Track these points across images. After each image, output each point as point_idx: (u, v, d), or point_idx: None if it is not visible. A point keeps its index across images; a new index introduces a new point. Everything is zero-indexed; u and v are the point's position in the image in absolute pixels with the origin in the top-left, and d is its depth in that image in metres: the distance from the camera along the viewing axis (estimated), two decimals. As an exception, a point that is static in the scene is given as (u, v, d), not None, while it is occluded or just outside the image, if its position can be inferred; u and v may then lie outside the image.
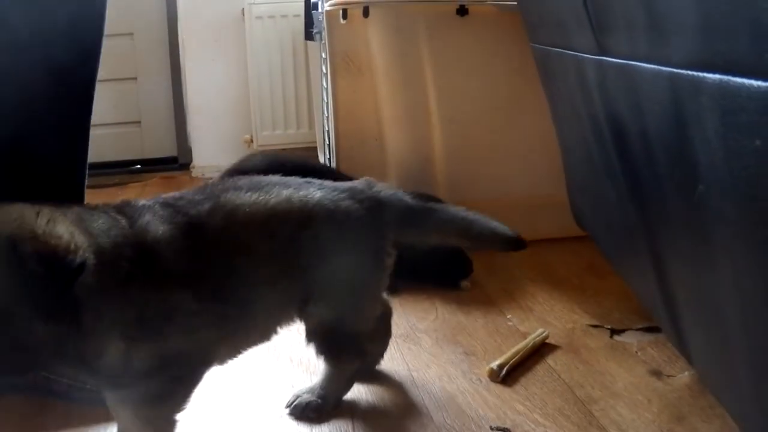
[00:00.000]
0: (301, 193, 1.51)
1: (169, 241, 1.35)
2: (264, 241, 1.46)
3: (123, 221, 1.34)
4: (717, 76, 0.80)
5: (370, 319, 1.67)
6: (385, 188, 1.62)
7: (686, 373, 1.78)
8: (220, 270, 1.41)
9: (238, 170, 2.47)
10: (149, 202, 1.44)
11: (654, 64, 0.99)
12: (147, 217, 1.36)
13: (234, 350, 1.54)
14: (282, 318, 1.58)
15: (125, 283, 1.28)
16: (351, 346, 1.64)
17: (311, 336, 1.60)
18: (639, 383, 1.75)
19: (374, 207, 1.57)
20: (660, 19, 0.94)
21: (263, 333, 1.58)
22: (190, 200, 1.46)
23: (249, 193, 1.47)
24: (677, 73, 0.90)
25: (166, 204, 1.43)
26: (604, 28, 1.18)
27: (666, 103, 0.98)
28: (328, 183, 1.57)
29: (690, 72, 0.86)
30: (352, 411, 1.71)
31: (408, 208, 1.62)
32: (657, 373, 1.80)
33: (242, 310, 1.46)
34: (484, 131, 2.60)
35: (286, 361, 1.93)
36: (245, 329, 1.51)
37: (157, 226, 1.35)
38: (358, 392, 1.76)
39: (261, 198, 1.47)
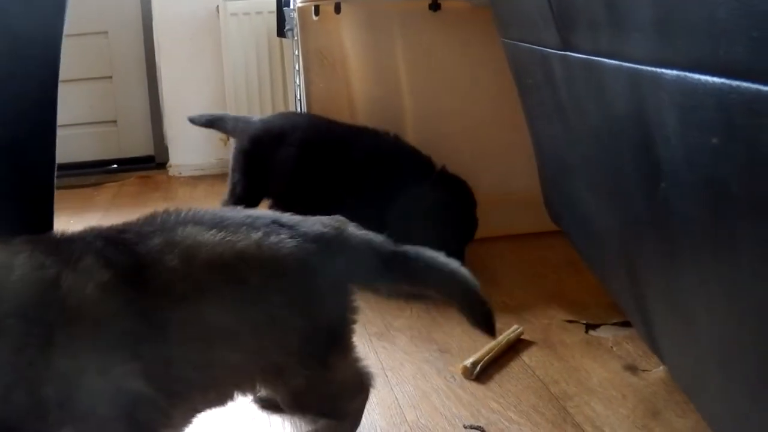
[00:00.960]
0: (271, 239, 1.30)
1: (107, 298, 1.14)
2: (229, 289, 1.26)
3: (50, 268, 1.13)
4: (675, 73, 0.79)
5: (344, 375, 1.48)
6: (356, 234, 1.43)
7: (661, 367, 1.77)
8: (173, 327, 1.20)
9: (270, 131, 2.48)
10: (90, 236, 1.24)
11: (616, 59, 0.98)
12: (84, 261, 1.15)
13: (185, 418, 1.32)
14: (243, 382, 1.36)
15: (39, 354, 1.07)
16: (330, 406, 1.48)
17: (287, 405, 1.45)
18: (614, 379, 1.75)
19: (341, 258, 1.38)
20: (620, 15, 0.93)
21: (221, 397, 1.36)
22: (137, 233, 1.25)
23: (213, 231, 1.26)
24: (638, 69, 0.89)
25: (109, 240, 1.22)
26: (568, 24, 1.17)
27: (628, 99, 0.97)
28: (301, 225, 1.36)
29: (650, 68, 0.85)
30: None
31: (378, 257, 1.42)
32: (632, 368, 1.79)
33: (199, 374, 1.25)
34: (459, 126, 2.59)
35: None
36: (200, 393, 1.30)
37: (91, 275, 1.14)
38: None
39: (227, 238, 1.26)
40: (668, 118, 0.84)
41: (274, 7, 3.63)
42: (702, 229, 0.85)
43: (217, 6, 3.74)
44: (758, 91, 0.63)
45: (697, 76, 0.74)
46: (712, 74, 0.71)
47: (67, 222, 3.19)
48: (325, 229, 1.38)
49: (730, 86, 0.67)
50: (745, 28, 0.63)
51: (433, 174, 2.33)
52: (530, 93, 1.75)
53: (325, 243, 1.35)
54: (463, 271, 1.45)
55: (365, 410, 1.57)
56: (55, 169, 1.78)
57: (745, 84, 0.65)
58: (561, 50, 1.25)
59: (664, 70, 0.81)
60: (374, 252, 1.42)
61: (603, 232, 1.41)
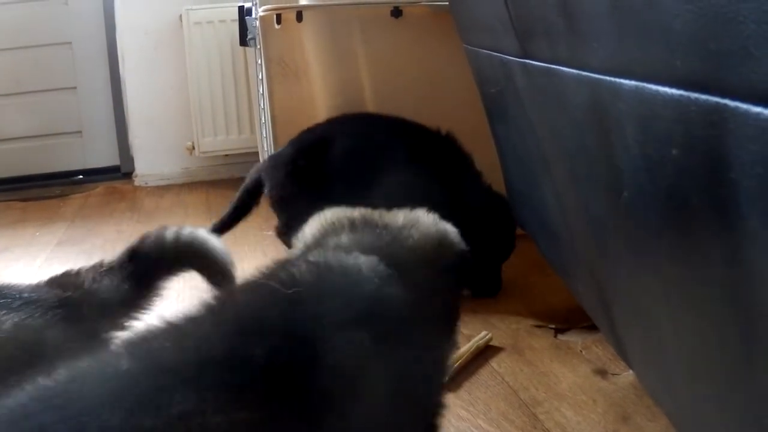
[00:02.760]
0: None
1: None
2: None
3: None
4: (633, 83, 0.78)
5: None
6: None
7: (630, 371, 1.77)
8: None
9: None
10: None
11: (575, 68, 0.97)
12: None
13: None
14: None
15: None
16: None
17: None
18: (584, 383, 1.74)
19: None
20: (577, 24, 0.92)
21: None
22: None
23: None
24: (597, 78, 0.89)
25: None
26: (527, 32, 1.16)
27: (589, 108, 0.96)
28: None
29: (608, 77, 0.85)
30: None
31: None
32: (602, 372, 1.79)
33: None
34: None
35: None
36: None
37: None
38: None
39: None
40: (628, 128, 0.83)
41: (236, 15, 3.62)
42: (664, 238, 0.85)
43: (181, 15, 3.72)
44: (717, 104, 0.62)
45: (655, 87, 0.73)
46: (670, 86, 0.70)
47: (33, 234, 3.17)
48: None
49: (689, 98, 0.66)
50: (701, 40, 0.63)
51: (481, 188, 2.32)
52: (492, 100, 1.74)
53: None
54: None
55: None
56: None
57: (703, 96, 0.64)
58: (521, 58, 1.24)
59: (622, 80, 0.81)
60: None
61: (567, 239, 1.40)
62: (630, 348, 1.25)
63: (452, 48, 2.44)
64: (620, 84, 0.81)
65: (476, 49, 1.66)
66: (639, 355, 1.20)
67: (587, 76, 0.93)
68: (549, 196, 1.44)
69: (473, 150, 2.47)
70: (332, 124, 2.43)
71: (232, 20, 3.65)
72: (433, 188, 2.13)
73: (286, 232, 2.40)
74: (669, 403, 1.15)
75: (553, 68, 1.07)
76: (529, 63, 1.20)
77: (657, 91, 0.72)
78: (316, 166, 2.33)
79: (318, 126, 2.43)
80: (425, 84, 2.59)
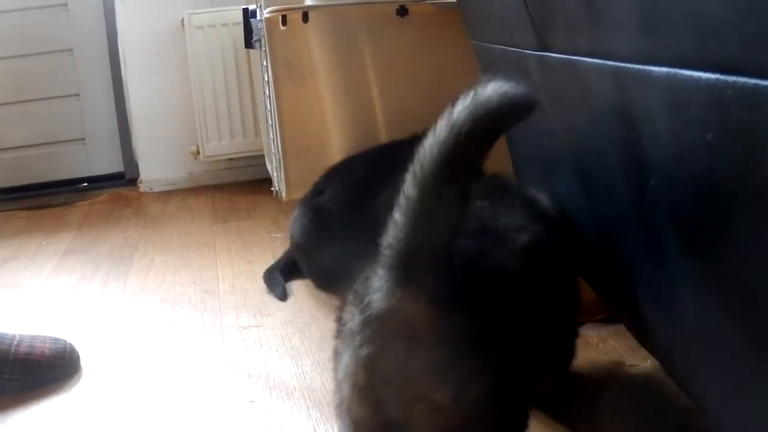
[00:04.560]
0: None
1: None
2: None
3: None
4: (664, 70, 0.78)
5: None
6: None
7: (648, 362, 1.77)
8: None
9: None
10: None
11: (598, 58, 0.97)
12: None
13: None
14: None
15: None
16: None
17: None
18: (603, 376, 1.75)
19: None
20: (600, 14, 0.92)
21: None
22: None
23: None
24: (623, 67, 0.89)
25: None
26: (546, 24, 1.16)
27: (613, 98, 0.96)
28: None
29: (636, 66, 0.85)
30: (307, 406, 1.73)
31: None
32: (620, 364, 1.80)
33: None
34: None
35: (244, 377, 1.90)
36: None
37: None
38: (313, 388, 1.77)
39: None
40: (657, 115, 0.83)
41: (239, 18, 3.60)
42: (694, 224, 0.85)
43: (182, 19, 3.71)
44: (755, 86, 0.62)
45: (687, 72, 0.73)
46: (704, 70, 0.70)
47: (39, 243, 3.16)
48: None
49: (725, 81, 0.66)
50: (738, 22, 0.63)
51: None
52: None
53: None
54: None
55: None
56: None
57: (741, 79, 0.64)
58: (538, 51, 1.24)
59: (651, 68, 0.81)
60: None
61: (584, 230, 1.40)
62: (654, 335, 1.25)
63: (459, 45, 2.44)
64: (649, 71, 0.81)
65: (488, 44, 1.66)
66: (664, 342, 1.20)
67: (611, 65, 0.93)
68: (565, 188, 1.44)
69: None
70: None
71: (234, 23, 3.65)
72: None
73: None
74: (695, 388, 1.16)
75: (574, 60, 1.07)
76: (548, 56, 1.20)
77: (690, 77, 0.72)
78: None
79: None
80: (432, 82, 2.58)
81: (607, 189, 1.15)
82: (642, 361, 1.79)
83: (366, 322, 1.06)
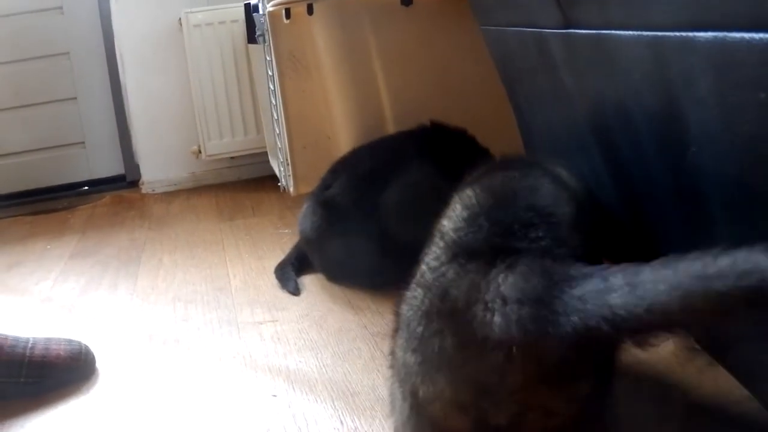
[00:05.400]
0: None
1: None
2: None
3: None
4: (710, 34, 0.78)
5: None
6: None
7: (670, 341, 1.77)
8: None
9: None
10: None
11: (632, 30, 0.96)
12: None
13: None
14: None
15: None
16: None
17: None
18: (624, 357, 1.74)
19: None
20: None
21: None
22: None
23: None
24: (661, 36, 0.88)
25: None
26: (571, 1, 1.15)
27: (648, 69, 0.96)
28: None
29: (677, 33, 0.84)
30: (332, 397, 1.72)
31: None
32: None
33: None
34: (439, 119, 2.57)
35: (264, 371, 1.89)
36: None
37: None
38: (336, 380, 1.74)
39: None
40: (700, 81, 0.83)
41: (236, 15, 3.60)
42: (742, 188, 0.84)
43: (179, 18, 3.70)
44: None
45: (738, 34, 0.73)
46: (757, 30, 0.69)
47: (44, 248, 3.15)
48: None
49: (782, 38, 0.66)
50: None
51: None
52: (519, 79, 1.73)
53: None
54: None
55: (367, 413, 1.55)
56: None
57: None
58: (562, 28, 1.24)
59: (695, 34, 0.80)
60: None
61: (610, 205, 1.40)
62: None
63: (465, 33, 2.44)
64: (693, 38, 0.81)
65: (501, 28, 1.65)
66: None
67: (648, 35, 0.92)
68: (588, 168, 1.44)
69: (487, 135, 2.46)
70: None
71: (232, 21, 3.65)
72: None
73: None
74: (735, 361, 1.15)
75: (604, 33, 1.06)
76: (573, 32, 1.19)
77: (741, 38, 0.72)
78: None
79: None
80: (438, 71, 2.58)
81: (638, 161, 1.14)
82: (663, 341, 1.78)
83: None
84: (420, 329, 1.07)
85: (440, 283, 1.06)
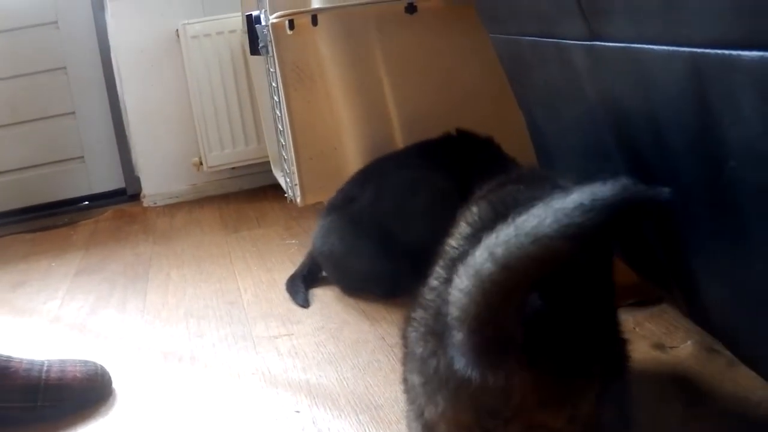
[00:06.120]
0: None
1: None
2: None
3: None
4: (756, 54, 0.77)
5: None
6: None
7: (689, 342, 1.77)
8: None
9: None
10: None
11: (667, 45, 0.96)
12: None
13: None
14: None
15: None
16: None
17: None
18: (644, 359, 1.74)
19: None
20: (676, 1, 0.91)
21: None
22: None
23: None
24: (701, 53, 0.88)
25: None
26: (599, 13, 1.15)
27: (683, 85, 0.95)
28: None
29: (720, 51, 0.84)
30: (356, 411, 1.72)
31: None
32: (660, 347, 1.79)
33: None
34: (446, 127, 2.56)
35: (284, 387, 1.88)
36: None
37: None
38: (358, 393, 1.76)
39: None
40: (744, 98, 0.82)
41: (234, 26, 3.60)
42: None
43: (177, 30, 3.68)
44: None
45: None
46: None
47: (49, 265, 3.14)
48: None
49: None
50: None
51: None
52: (533, 87, 1.73)
53: None
54: None
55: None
56: None
57: None
58: (587, 40, 1.23)
59: (741, 52, 0.80)
60: None
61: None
62: (721, 321, 1.25)
63: (470, 40, 2.44)
64: (738, 56, 0.81)
65: (514, 37, 1.64)
66: (740, 326, 1.20)
67: (687, 51, 0.92)
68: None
69: (500, 142, 2.46)
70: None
71: (230, 31, 3.64)
72: None
73: None
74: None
75: (635, 47, 1.06)
76: (599, 45, 1.19)
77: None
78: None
79: None
80: (445, 78, 2.58)
81: (668, 173, 1.14)
82: (681, 342, 1.79)
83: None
84: (420, 350, 1.07)
85: (435, 304, 1.07)
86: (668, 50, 0.96)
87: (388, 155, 2.46)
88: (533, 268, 0.89)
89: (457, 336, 0.94)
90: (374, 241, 2.29)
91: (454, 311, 0.94)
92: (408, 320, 1.14)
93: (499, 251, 0.89)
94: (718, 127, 0.91)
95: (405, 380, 1.16)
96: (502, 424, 1.02)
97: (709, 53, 0.86)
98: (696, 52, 0.89)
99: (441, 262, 1.13)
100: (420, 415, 1.09)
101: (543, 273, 0.91)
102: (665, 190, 0.93)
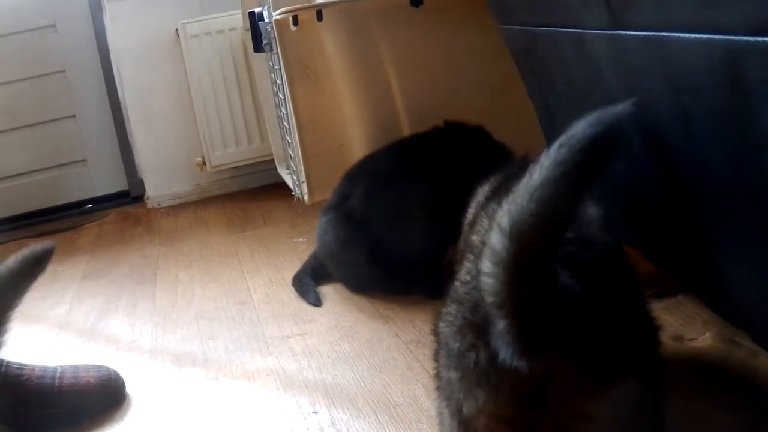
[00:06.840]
0: None
1: None
2: None
3: None
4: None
5: None
6: None
7: (707, 334, 1.75)
8: None
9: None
10: None
11: (700, 33, 0.94)
12: None
13: None
14: None
15: None
16: None
17: None
18: (664, 351, 1.72)
19: None
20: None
21: None
22: None
23: None
24: (737, 40, 0.86)
25: None
26: (626, 2, 1.13)
27: (716, 72, 0.93)
28: None
29: (754, 38, 0.82)
30: (374, 411, 1.70)
31: None
32: (679, 338, 1.77)
33: None
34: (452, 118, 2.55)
35: (301, 387, 1.86)
36: None
37: None
38: (376, 392, 1.74)
39: None
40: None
41: (234, 23, 3.57)
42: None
43: (177, 29, 3.66)
44: None
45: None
46: None
47: (55, 270, 3.11)
48: None
49: None
50: None
51: None
52: (547, 77, 1.71)
53: None
54: None
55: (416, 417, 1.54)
56: None
57: None
58: (610, 29, 1.21)
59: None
60: None
61: (655, 212, 1.38)
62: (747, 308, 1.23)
63: (477, 32, 2.42)
64: (776, 42, 0.79)
65: (529, 28, 1.62)
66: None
67: (718, 39, 0.90)
68: (631, 170, 1.41)
69: (503, 132, 2.43)
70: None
71: (230, 29, 3.62)
72: None
73: None
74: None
75: (662, 36, 1.04)
76: (623, 34, 1.17)
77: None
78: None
79: None
80: (451, 70, 2.55)
81: (696, 163, 1.12)
82: (700, 334, 1.77)
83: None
84: (456, 345, 1.07)
85: (471, 297, 1.06)
86: (699, 38, 0.94)
87: (380, 150, 2.44)
88: (541, 227, 0.89)
89: (500, 324, 0.93)
90: (368, 240, 2.28)
91: (488, 298, 0.93)
92: (439, 315, 1.14)
93: (505, 221, 0.89)
94: (754, 116, 0.89)
95: (438, 376, 1.15)
96: (544, 415, 1.02)
97: (744, 40, 0.84)
98: (727, 40, 0.87)
99: (470, 257, 1.12)
100: (458, 411, 1.08)
101: (553, 232, 0.92)
102: (628, 105, 0.91)
